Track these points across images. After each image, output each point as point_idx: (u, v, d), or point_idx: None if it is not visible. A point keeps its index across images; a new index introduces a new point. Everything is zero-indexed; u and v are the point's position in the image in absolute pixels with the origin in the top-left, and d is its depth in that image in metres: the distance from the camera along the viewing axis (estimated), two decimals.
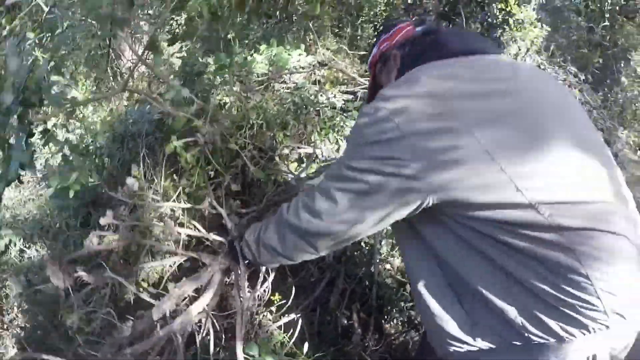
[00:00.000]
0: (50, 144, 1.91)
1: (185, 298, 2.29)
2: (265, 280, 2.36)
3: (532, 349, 1.26)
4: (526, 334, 1.24)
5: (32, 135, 1.70)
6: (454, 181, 1.19)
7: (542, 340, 1.24)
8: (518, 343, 1.28)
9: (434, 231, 1.38)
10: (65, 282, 2.27)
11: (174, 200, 2.67)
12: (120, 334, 1.97)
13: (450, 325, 1.40)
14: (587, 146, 1.28)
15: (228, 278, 2.42)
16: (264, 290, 2.40)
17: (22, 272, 3.02)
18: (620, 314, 1.17)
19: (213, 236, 2.34)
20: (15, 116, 1.61)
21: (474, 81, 1.29)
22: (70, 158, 2.03)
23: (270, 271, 2.42)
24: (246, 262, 2.04)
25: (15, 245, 3.27)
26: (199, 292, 2.36)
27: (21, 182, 1.76)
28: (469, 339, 1.37)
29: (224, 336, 2.45)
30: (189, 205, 2.57)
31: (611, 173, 1.31)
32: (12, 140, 1.64)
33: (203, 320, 2.25)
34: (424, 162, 1.20)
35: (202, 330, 2.25)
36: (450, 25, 3.84)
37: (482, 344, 1.36)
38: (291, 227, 1.50)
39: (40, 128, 1.90)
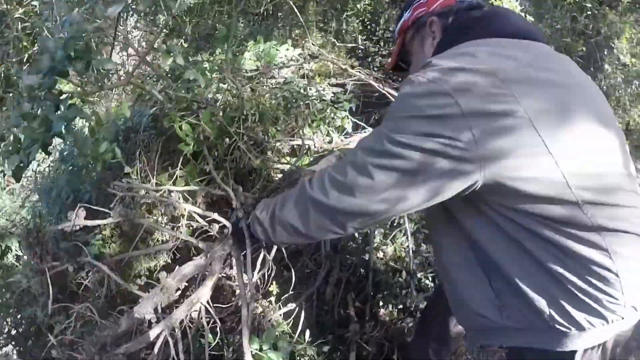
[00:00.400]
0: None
1: (178, 289, 2.21)
2: (262, 268, 2.37)
3: (553, 333, 1.30)
4: (551, 322, 1.27)
5: (58, 108, 1.67)
6: (505, 165, 1.15)
7: (564, 329, 1.27)
8: (542, 327, 1.31)
9: (473, 219, 1.34)
10: (41, 259, 2.25)
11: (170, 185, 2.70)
12: (102, 331, 1.89)
13: (479, 302, 1.40)
14: (616, 134, 1.32)
15: (228, 268, 2.41)
16: (263, 279, 2.40)
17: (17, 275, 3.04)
18: (635, 306, 1.26)
19: (215, 216, 2.24)
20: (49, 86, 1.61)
21: (533, 66, 1.23)
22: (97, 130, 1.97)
23: (267, 261, 2.44)
24: (255, 242, 1.89)
25: (11, 250, 3.28)
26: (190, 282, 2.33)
27: (19, 180, 1.78)
28: (495, 317, 1.37)
29: (222, 328, 2.50)
30: (188, 188, 2.54)
31: (627, 155, 1.34)
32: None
33: (199, 313, 2.22)
34: (479, 139, 1.13)
35: (195, 323, 2.22)
36: None
37: (507, 322, 1.36)
38: (317, 205, 1.36)
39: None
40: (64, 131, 1.65)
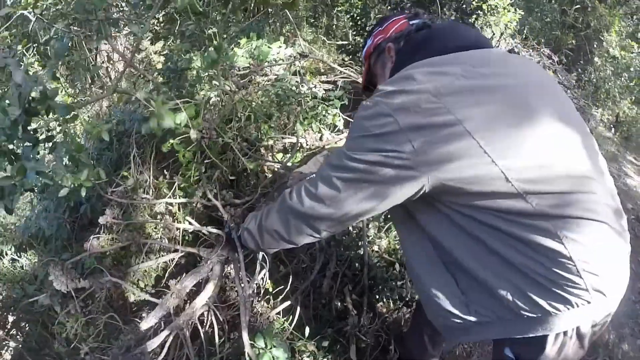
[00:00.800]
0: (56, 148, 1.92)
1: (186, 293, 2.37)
2: (262, 268, 2.42)
3: (522, 322, 1.39)
4: (517, 310, 1.36)
5: (38, 143, 1.78)
6: (447, 169, 1.28)
7: (531, 315, 1.36)
8: (509, 317, 1.40)
9: (430, 217, 1.48)
10: (67, 285, 2.34)
11: (168, 197, 2.74)
12: (126, 336, 2.04)
13: (446, 302, 1.51)
14: (570, 124, 1.40)
15: (227, 268, 2.47)
16: (262, 279, 2.46)
17: (15, 282, 3.05)
18: (601, 291, 1.32)
19: (209, 229, 2.41)
20: (20, 127, 1.69)
21: (466, 77, 1.34)
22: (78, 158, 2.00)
23: (266, 261, 2.50)
24: (245, 250, 2.13)
25: (7, 254, 3.29)
26: (199, 286, 2.44)
27: (11, 213, 1.81)
28: (464, 314, 1.49)
29: (227, 327, 2.54)
30: (183, 200, 2.63)
31: (590, 146, 1.43)
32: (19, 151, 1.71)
33: (205, 314, 2.32)
34: (419, 149, 1.28)
35: (205, 324, 2.31)
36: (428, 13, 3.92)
37: (475, 317, 1.47)
38: (295, 213, 1.57)
39: (43, 135, 1.93)
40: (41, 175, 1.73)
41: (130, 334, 2.03)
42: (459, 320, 1.51)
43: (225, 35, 3.75)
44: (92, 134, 2.05)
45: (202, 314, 2.30)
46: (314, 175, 1.72)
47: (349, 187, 1.41)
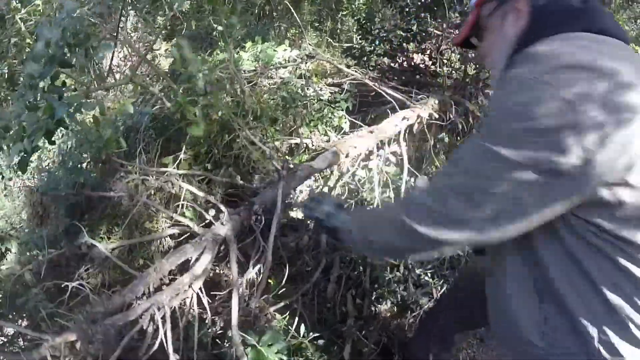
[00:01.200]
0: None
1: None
2: (258, 261, 2.40)
3: None
4: (594, 357, 1.13)
5: (61, 98, 1.67)
6: (617, 178, 1.02)
7: None
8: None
9: (547, 239, 1.17)
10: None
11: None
12: (96, 307, 1.93)
13: (524, 321, 1.25)
14: None
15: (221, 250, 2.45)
16: (259, 272, 2.43)
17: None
18: None
19: (212, 199, 2.37)
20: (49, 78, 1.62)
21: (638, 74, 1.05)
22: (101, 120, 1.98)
23: (265, 255, 2.48)
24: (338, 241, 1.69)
25: (10, 252, 3.29)
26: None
27: (24, 171, 1.79)
28: (537, 341, 1.23)
29: (217, 321, 2.55)
30: (196, 172, 2.59)
31: None
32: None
33: (189, 302, 2.28)
34: (594, 156, 0.98)
35: (187, 311, 2.28)
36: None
37: (547, 349, 1.22)
38: (416, 237, 1.21)
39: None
40: (67, 120, 1.66)
41: (101, 306, 1.92)
42: (528, 347, 1.26)
43: (230, 38, 3.77)
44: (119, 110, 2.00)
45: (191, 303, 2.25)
46: (433, 184, 1.28)
47: (496, 203, 1.07)
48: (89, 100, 1.90)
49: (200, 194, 2.42)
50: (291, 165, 2.76)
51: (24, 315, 2.79)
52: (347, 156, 2.90)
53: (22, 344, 2.61)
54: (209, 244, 2.30)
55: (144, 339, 2.16)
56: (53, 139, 1.75)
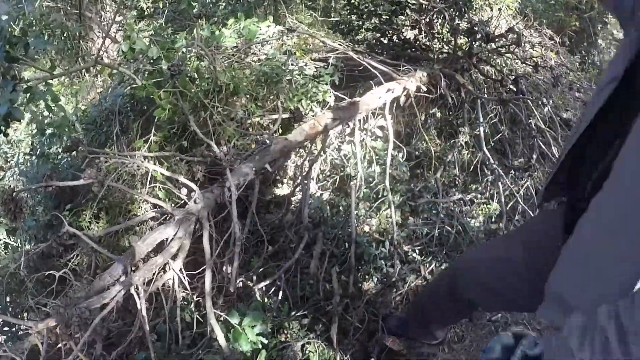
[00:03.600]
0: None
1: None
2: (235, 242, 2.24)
3: None
4: None
5: (16, 90, 1.70)
6: None
7: None
8: None
9: None
10: None
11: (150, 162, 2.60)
12: (76, 293, 1.88)
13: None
14: None
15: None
16: (239, 252, 2.29)
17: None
18: None
19: (182, 178, 2.29)
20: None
21: None
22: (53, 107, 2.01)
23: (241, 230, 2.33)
24: None
25: None
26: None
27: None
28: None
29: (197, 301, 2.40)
30: (161, 154, 2.49)
31: None
32: None
33: (171, 283, 2.18)
34: None
35: (171, 293, 2.16)
36: None
37: None
38: None
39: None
40: (16, 113, 1.70)
41: (81, 291, 1.87)
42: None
43: (215, 18, 3.59)
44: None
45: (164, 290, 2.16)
46: None
47: None
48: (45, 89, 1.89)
49: (167, 173, 2.26)
50: (267, 140, 2.58)
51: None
52: (325, 129, 2.70)
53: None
54: (183, 223, 2.19)
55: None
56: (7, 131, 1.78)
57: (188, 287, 2.21)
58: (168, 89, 2.37)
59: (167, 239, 2.19)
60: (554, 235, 1.26)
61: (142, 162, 2.31)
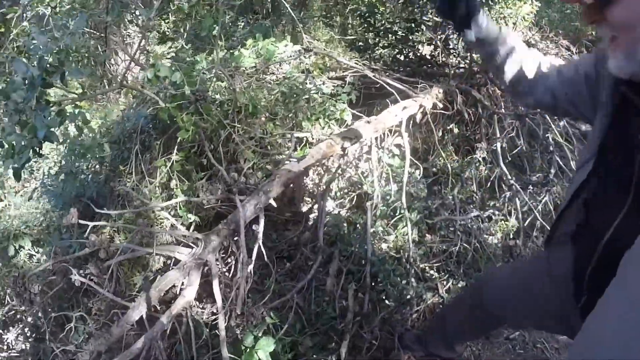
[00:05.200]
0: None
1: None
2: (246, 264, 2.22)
3: None
4: None
5: (49, 114, 1.78)
6: None
7: None
8: None
9: None
10: None
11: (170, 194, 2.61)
12: (97, 340, 1.91)
13: None
14: None
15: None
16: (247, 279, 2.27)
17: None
18: None
19: (193, 233, 2.30)
20: (35, 96, 1.71)
21: None
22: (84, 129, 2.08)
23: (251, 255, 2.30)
24: None
25: (23, 249, 3.22)
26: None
27: (18, 179, 1.84)
28: None
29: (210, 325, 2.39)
30: (184, 199, 2.47)
31: None
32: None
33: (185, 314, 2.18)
34: None
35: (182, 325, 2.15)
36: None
37: None
38: None
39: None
40: (51, 136, 1.77)
41: (101, 337, 1.88)
42: None
43: (234, 38, 3.59)
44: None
45: (180, 315, 2.15)
46: None
47: None
48: (69, 112, 1.95)
49: (183, 231, 2.28)
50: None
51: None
52: (342, 147, 2.67)
53: None
54: (192, 269, 2.17)
55: None
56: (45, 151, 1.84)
57: (203, 315, 2.18)
58: (190, 111, 2.37)
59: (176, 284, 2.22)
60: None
61: (158, 211, 2.32)
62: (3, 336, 2.91)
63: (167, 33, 3.18)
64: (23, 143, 1.73)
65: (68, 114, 1.88)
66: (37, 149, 1.78)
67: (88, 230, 2.32)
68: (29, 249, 3.14)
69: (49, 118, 1.70)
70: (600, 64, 1.19)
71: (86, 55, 3.09)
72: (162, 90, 2.60)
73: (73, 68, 1.77)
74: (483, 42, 1.45)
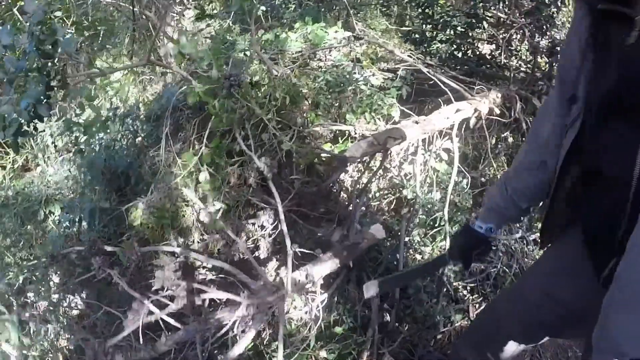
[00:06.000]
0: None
1: None
2: None
3: None
4: None
5: (51, 88, 1.71)
6: None
7: None
8: None
9: None
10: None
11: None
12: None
13: None
14: None
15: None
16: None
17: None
18: None
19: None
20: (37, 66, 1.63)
21: None
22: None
23: None
24: None
25: (53, 214, 3.17)
26: None
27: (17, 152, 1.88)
28: None
29: None
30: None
31: None
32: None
33: None
34: None
35: None
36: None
37: None
38: None
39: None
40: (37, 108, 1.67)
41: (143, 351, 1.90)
42: None
43: (283, 20, 3.39)
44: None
45: None
46: None
47: None
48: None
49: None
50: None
51: None
52: (385, 148, 2.43)
53: None
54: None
55: None
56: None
57: None
58: (223, 96, 2.19)
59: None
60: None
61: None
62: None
63: (207, 10, 3.00)
64: (14, 115, 1.66)
65: (71, 90, 1.84)
66: (27, 122, 1.70)
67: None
68: (58, 215, 3.09)
69: (39, 90, 1.59)
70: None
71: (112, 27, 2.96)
72: (196, 69, 2.44)
73: (68, 39, 1.67)
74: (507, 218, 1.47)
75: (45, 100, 1.61)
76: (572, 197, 1.22)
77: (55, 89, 1.70)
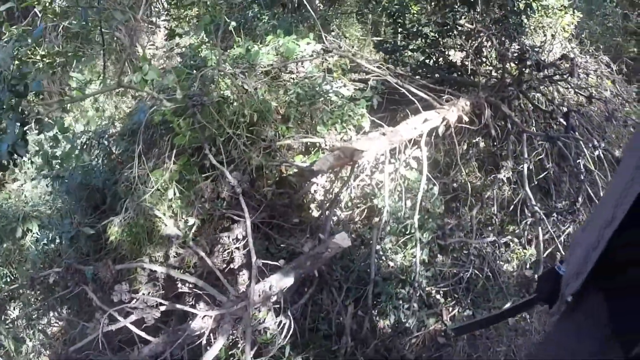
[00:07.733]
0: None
1: None
2: None
3: None
4: None
5: (26, 123, 1.74)
6: None
7: None
8: None
9: None
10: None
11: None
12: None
13: None
14: None
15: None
16: None
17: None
18: None
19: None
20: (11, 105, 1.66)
21: None
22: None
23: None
24: None
25: (31, 232, 3.10)
26: None
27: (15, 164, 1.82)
28: None
29: None
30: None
31: None
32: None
33: None
34: None
35: None
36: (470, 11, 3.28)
37: None
38: None
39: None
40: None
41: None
42: None
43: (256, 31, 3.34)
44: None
45: None
46: None
47: None
48: (49, 121, 1.93)
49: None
50: None
51: None
52: (352, 160, 2.40)
53: None
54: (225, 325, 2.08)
55: None
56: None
57: None
58: (188, 116, 2.15)
59: None
60: None
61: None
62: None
63: (176, 29, 2.93)
64: None
65: (45, 124, 1.87)
66: (6, 162, 1.72)
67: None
68: (36, 233, 3.03)
69: (16, 130, 1.63)
70: None
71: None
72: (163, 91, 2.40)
73: (37, 82, 1.73)
74: None
75: (22, 140, 1.66)
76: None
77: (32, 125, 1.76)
